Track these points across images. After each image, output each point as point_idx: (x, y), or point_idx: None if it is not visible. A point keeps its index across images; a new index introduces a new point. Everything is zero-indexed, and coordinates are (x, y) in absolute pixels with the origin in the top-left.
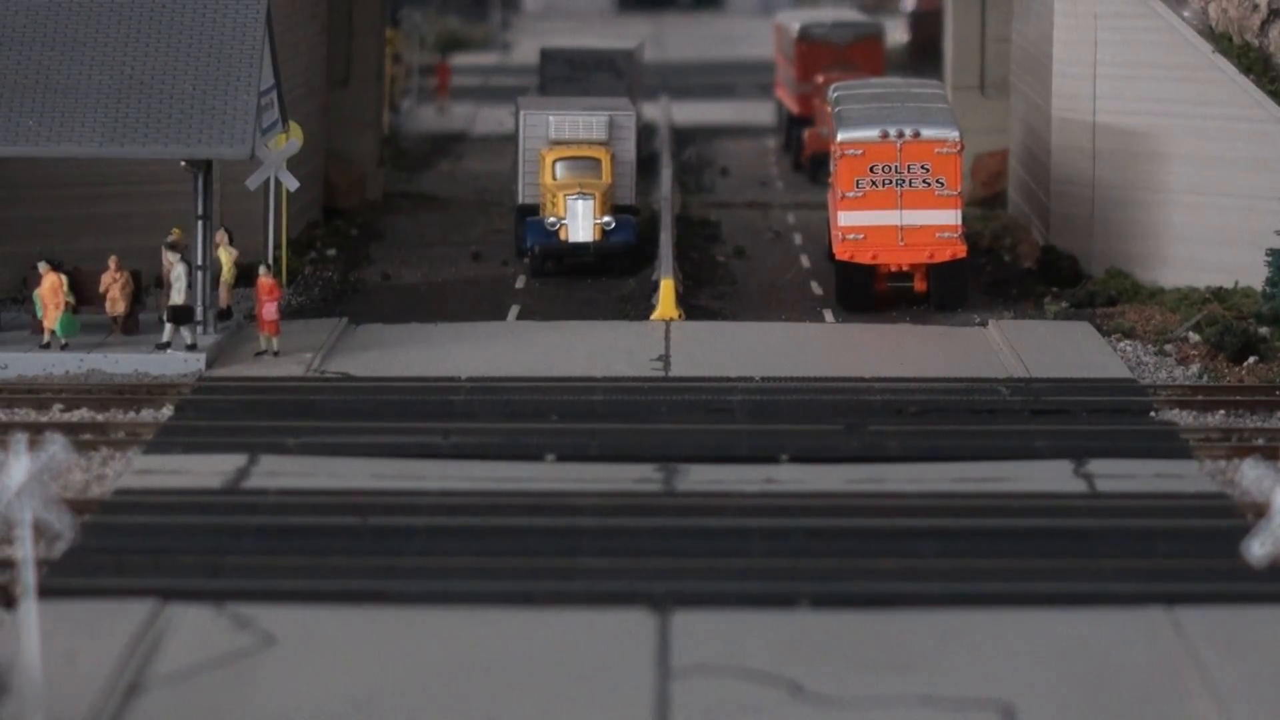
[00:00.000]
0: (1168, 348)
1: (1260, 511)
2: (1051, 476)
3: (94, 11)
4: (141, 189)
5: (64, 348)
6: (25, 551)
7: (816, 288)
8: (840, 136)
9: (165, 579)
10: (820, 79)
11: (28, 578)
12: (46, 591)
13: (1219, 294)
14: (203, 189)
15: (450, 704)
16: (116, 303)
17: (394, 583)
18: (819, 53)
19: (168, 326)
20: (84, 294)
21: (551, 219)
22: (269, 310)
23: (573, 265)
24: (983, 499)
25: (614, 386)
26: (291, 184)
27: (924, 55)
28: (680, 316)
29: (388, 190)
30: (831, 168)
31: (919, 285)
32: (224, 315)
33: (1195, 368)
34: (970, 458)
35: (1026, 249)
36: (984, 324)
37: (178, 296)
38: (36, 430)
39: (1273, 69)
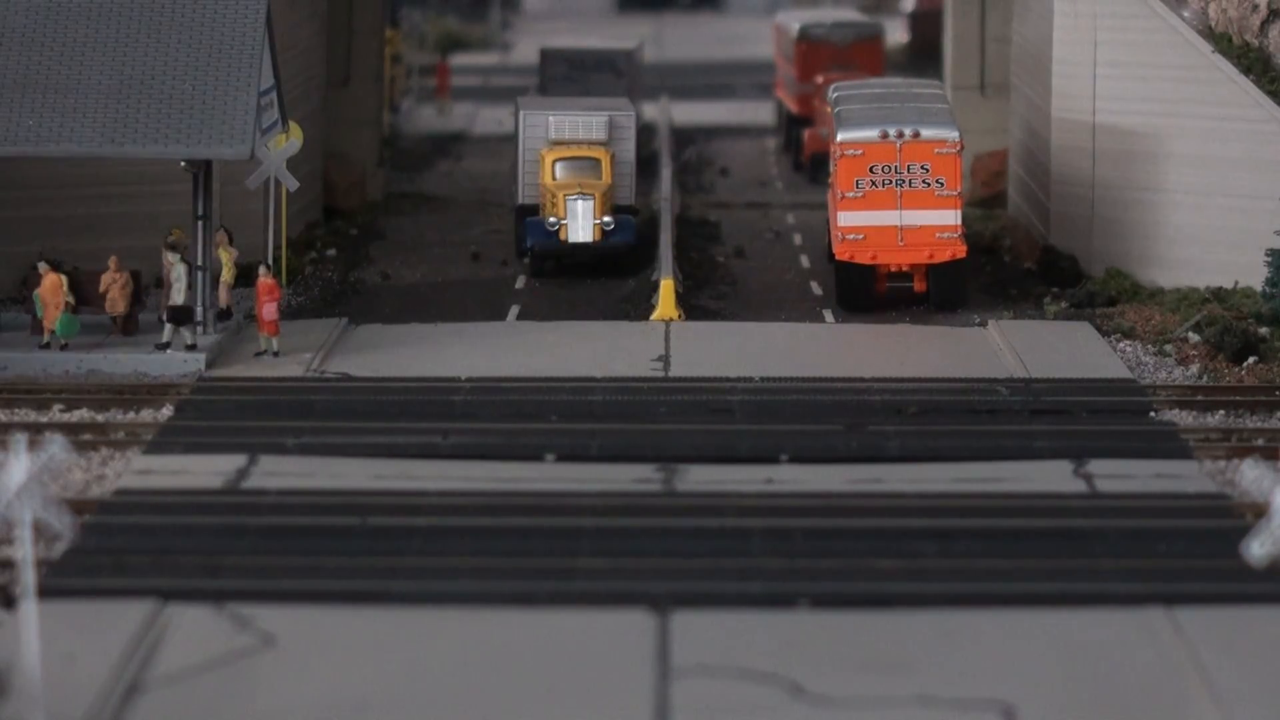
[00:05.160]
0: (1168, 348)
1: (1260, 511)
2: (1051, 476)
3: (94, 11)
4: (141, 189)
5: (64, 348)
6: (25, 551)
7: (816, 288)
8: (840, 137)
9: (165, 579)
10: (820, 79)
11: (28, 578)
12: (46, 591)
13: (1219, 294)
14: (203, 189)
15: (450, 704)
16: (116, 303)
17: (394, 583)
18: (819, 53)
19: (167, 327)
20: (84, 294)
21: (551, 219)
22: (269, 310)
23: (573, 265)
24: (983, 499)
25: (614, 386)
26: (291, 184)
27: (924, 55)
28: (680, 316)
29: (388, 190)
30: (831, 168)
31: (919, 285)
32: (224, 315)
33: (1195, 368)
34: (970, 458)
35: (1026, 249)
36: (984, 324)
37: (178, 297)
38: (36, 430)
39: (1273, 69)
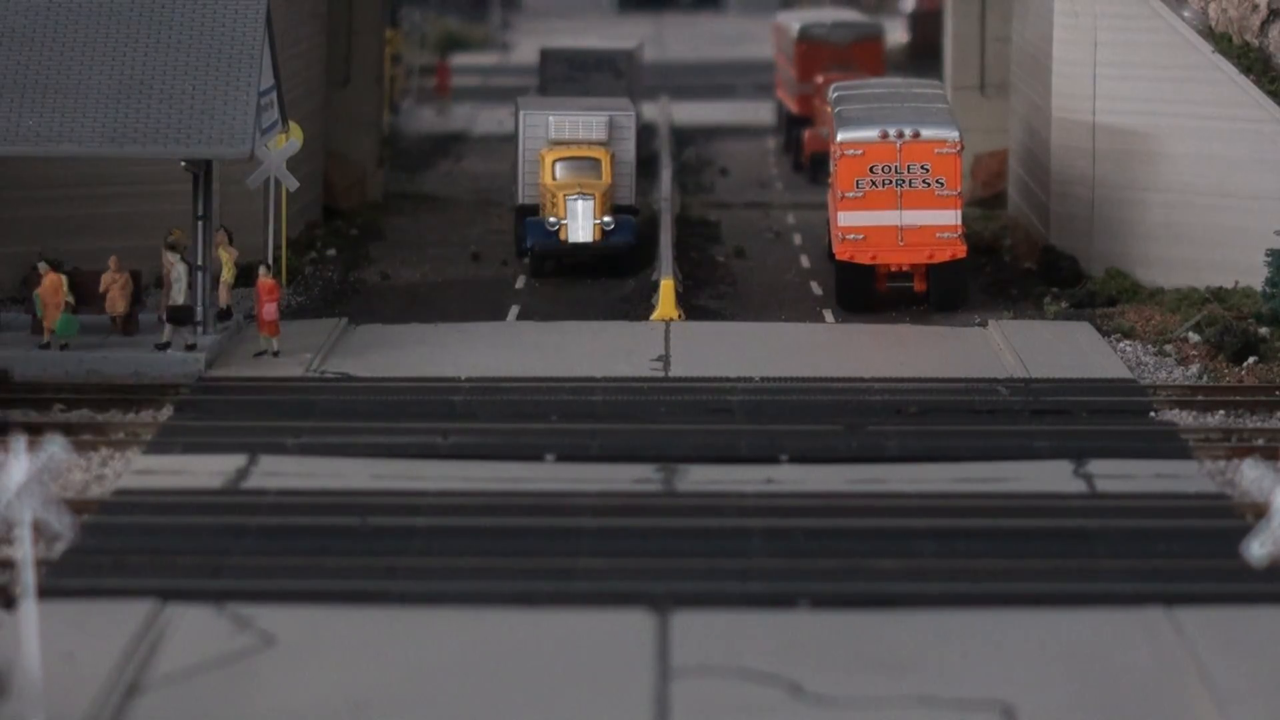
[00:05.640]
0: (1168, 348)
1: (1260, 511)
2: (1051, 476)
3: (94, 11)
4: (141, 189)
5: (64, 348)
6: (25, 551)
7: (816, 288)
8: (840, 137)
9: (165, 579)
10: (820, 79)
11: (28, 578)
12: (46, 591)
13: (1219, 294)
14: (203, 189)
15: (450, 704)
16: (116, 303)
17: (394, 583)
18: (819, 53)
19: (167, 327)
20: (84, 294)
21: (551, 219)
22: (269, 310)
23: (573, 265)
24: (983, 499)
25: (614, 386)
26: (291, 184)
27: (924, 55)
28: (680, 316)
29: (388, 190)
30: (831, 168)
31: (919, 285)
32: (224, 315)
33: (1195, 368)
34: (970, 458)
35: (1026, 249)
36: (984, 324)
37: (178, 297)
38: (36, 430)
39: (1273, 69)
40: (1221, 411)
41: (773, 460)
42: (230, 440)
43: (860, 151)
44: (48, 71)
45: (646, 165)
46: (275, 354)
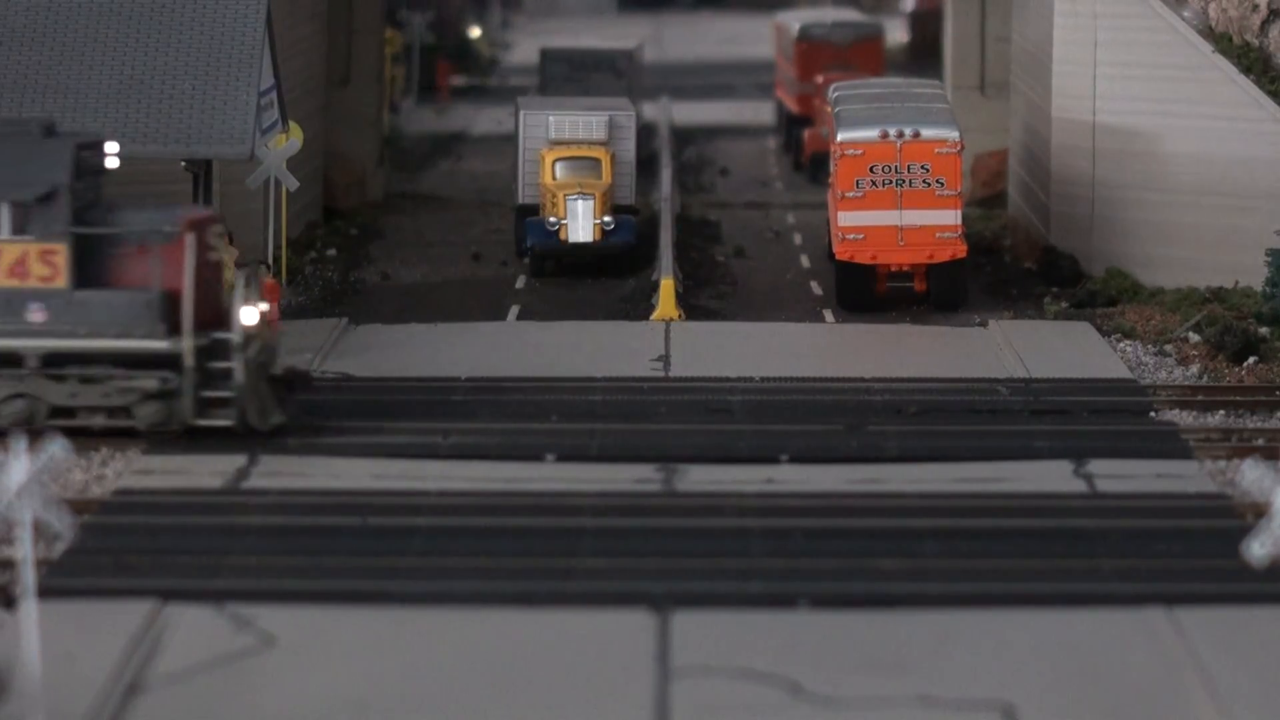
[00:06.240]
0: (1168, 348)
1: (1260, 511)
2: (1051, 476)
3: (94, 11)
4: (141, 189)
5: None
6: (25, 551)
7: (816, 288)
8: (840, 136)
9: (165, 579)
10: (820, 79)
11: (28, 578)
12: (46, 591)
13: (1219, 294)
14: (203, 189)
15: (450, 704)
16: None
17: (394, 583)
18: (819, 53)
19: None
20: None
21: (551, 219)
22: (269, 310)
23: (573, 265)
24: (983, 499)
25: (614, 386)
26: (291, 184)
27: (924, 55)
28: (680, 316)
29: (388, 190)
30: (831, 168)
31: (919, 285)
32: None
33: (1195, 368)
34: (970, 458)
35: (1026, 249)
36: (984, 324)
37: None
38: (36, 431)
39: (1273, 69)
40: (1222, 411)
41: (773, 460)
42: (230, 440)
43: (860, 151)
44: (48, 71)
45: (646, 165)
46: None
